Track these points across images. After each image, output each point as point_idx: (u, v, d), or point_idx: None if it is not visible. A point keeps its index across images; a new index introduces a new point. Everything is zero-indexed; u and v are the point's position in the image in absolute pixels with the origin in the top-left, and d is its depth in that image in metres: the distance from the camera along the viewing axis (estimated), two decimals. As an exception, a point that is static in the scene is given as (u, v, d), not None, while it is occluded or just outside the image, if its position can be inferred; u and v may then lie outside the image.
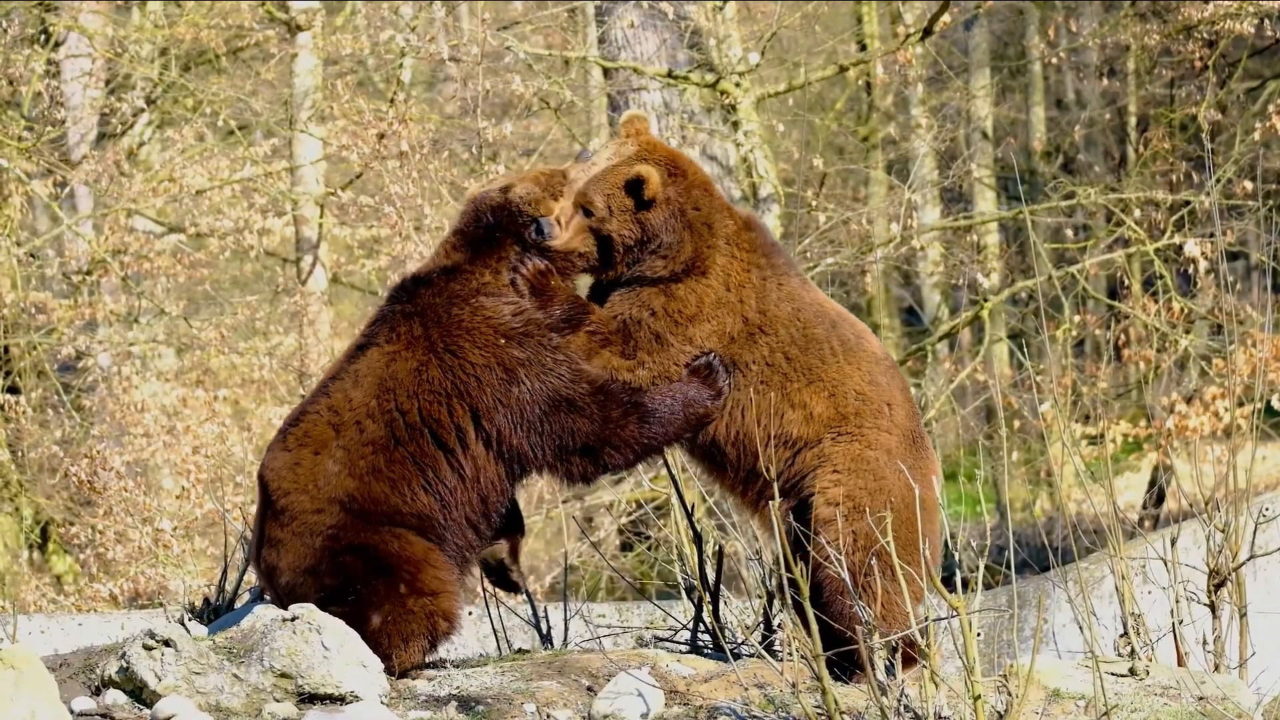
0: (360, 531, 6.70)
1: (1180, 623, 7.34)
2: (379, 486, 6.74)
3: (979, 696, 6.02)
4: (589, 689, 6.71)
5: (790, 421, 6.88)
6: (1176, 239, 18.44)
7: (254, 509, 7.23)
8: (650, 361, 6.88)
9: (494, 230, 6.96)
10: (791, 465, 6.87)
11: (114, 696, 6.32)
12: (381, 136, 18.84)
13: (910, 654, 6.63)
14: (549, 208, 6.95)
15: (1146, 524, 18.97)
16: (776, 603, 7.71)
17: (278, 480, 6.82)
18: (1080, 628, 7.04)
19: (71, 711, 6.23)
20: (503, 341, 6.79)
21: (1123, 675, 6.86)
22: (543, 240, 6.90)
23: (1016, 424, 20.78)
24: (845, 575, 6.45)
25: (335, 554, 6.70)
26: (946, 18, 19.18)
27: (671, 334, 6.88)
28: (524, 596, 7.26)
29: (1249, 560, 7.39)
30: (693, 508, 8.09)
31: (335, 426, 6.78)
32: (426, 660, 6.82)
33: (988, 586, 10.93)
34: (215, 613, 7.95)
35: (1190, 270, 18.55)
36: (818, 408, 6.88)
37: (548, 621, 8.39)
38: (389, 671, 6.58)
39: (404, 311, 6.88)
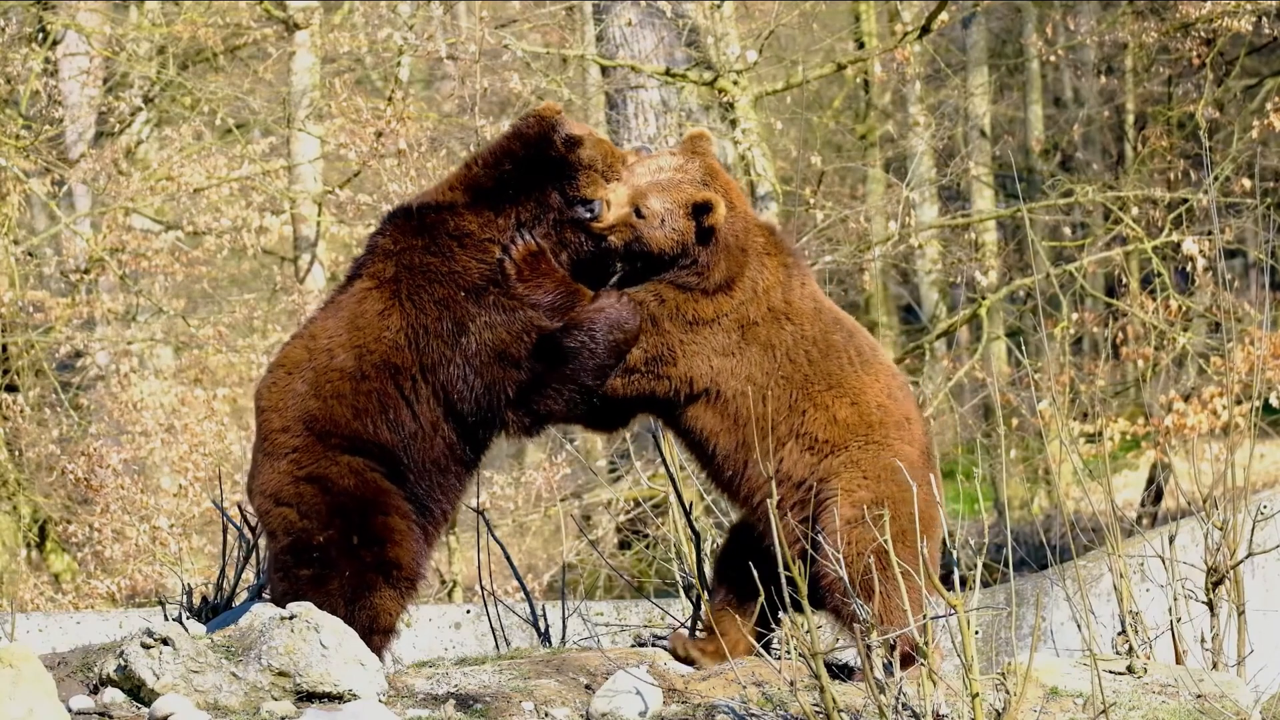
0: (319, 459, 6.75)
1: (1178, 620, 7.33)
2: (341, 410, 6.77)
3: (977, 694, 6.02)
4: (587, 687, 6.70)
5: (815, 421, 6.90)
6: (1174, 236, 18.44)
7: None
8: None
9: (530, 172, 6.84)
10: (816, 471, 6.89)
11: (112, 695, 6.32)
12: (379, 134, 18.84)
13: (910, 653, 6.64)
14: (602, 191, 6.88)
15: (1145, 522, 18.98)
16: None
17: (258, 400, 6.95)
18: (1078, 626, 7.04)
19: (69, 710, 6.22)
20: (461, 295, 6.78)
21: (1121, 673, 6.86)
22: (588, 221, 6.86)
23: (1015, 422, 20.77)
24: (875, 575, 6.44)
25: (296, 480, 6.75)
26: (944, 15, 19.16)
27: (671, 323, 6.89)
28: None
29: (1247, 558, 7.39)
30: (691, 506, 8.09)
31: (310, 350, 6.85)
32: (393, 617, 6.76)
33: (986, 584, 10.92)
34: (213, 611, 7.95)
35: (1188, 268, 18.54)
36: (841, 413, 6.91)
37: (546, 620, 8.39)
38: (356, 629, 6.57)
39: (385, 249, 6.88)
